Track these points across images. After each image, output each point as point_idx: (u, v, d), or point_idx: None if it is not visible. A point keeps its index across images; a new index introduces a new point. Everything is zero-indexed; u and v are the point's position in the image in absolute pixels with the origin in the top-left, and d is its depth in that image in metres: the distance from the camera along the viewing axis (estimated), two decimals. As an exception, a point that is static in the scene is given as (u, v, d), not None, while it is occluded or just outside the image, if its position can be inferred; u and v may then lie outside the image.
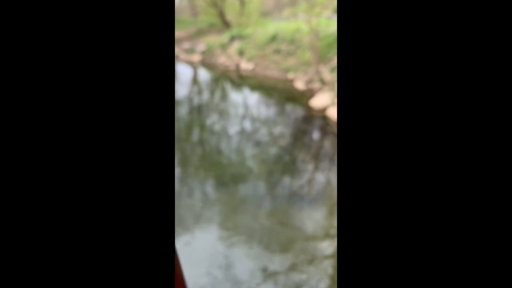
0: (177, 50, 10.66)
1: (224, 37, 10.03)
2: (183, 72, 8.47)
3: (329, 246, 2.25)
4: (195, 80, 7.91)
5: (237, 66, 8.78)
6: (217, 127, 4.66)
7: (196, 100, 6.17)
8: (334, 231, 2.41)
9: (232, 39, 9.70)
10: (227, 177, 3.19)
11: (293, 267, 2.09)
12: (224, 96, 6.47)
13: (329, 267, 2.08)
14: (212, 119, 5.00)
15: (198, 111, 5.51)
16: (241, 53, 8.99)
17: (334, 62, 6.23)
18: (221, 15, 11.57)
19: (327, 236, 2.35)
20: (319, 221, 2.51)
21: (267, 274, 2.04)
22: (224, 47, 9.73)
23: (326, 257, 2.16)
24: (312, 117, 4.79)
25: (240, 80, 7.55)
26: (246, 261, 2.15)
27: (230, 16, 11.82)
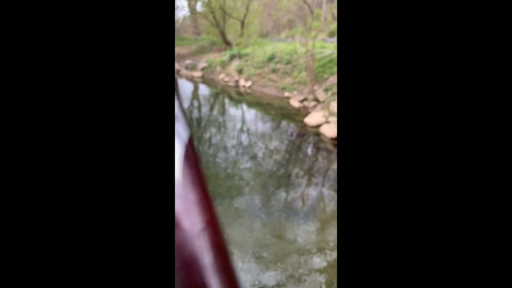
0: (179, 66, 10.81)
1: (225, 55, 10.22)
2: (184, 87, 8.55)
3: (322, 260, 2.21)
4: (195, 95, 7.97)
5: (236, 83, 8.90)
6: (214, 140, 4.66)
7: (195, 114, 6.20)
8: (326, 244, 2.37)
9: (232, 57, 9.88)
10: (223, 189, 3.16)
11: (286, 281, 2.04)
12: (222, 111, 6.52)
13: (322, 281, 2.04)
14: (210, 132, 5.01)
15: (197, 124, 5.52)
16: (240, 71, 9.14)
17: (327, 82, 6.36)
18: (223, 34, 11.84)
19: (320, 249, 2.31)
20: (312, 235, 2.48)
21: (261, 287, 1.99)
22: (224, 64, 9.89)
23: (319, 270, 2.12)
24: (306, 133, 4.83)
25: (238, 96, 7.63)
26: (239, 274, 2.10)
27: (231, 36, 12.10)
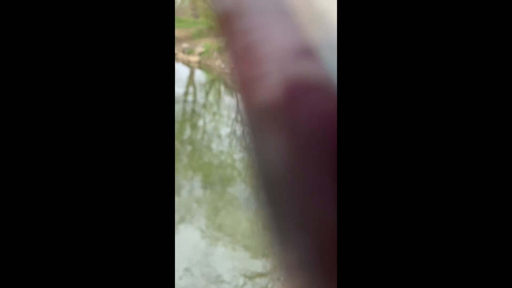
0: (176, 50, 10.59)
1: (222, 41, 10.02)
2: (180, 71, 8.41)
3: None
4: (191, 80, 7.87)
5: (232, 70, 8.78)
6: (208, 127, 4.63)
7: (190, 99, 6.13)
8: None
9: (230, 43, 9.70)
10: (215, 178, 3.17)
11: (274, 270, 2.09)
12: (218, 98, 6.46)
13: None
14: (204, 119, 4.98)
15: (192, 110, 5.47)
16: (238, 58, 9.00)
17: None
18: (222, 19, 11.56)
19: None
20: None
21: (248, 276, 2.03)
22: (221, 50, 9.71)
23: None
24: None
25: (233, 84, 7.54)
26: (228, 261, 2.13)
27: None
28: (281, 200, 0.12)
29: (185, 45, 11.02)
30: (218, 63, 9.43)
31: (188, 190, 2.95)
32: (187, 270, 2.02)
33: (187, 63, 9.96)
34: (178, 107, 5.45)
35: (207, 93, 6.81)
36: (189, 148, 3.95)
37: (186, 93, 6.59)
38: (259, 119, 0.12)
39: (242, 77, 0.13)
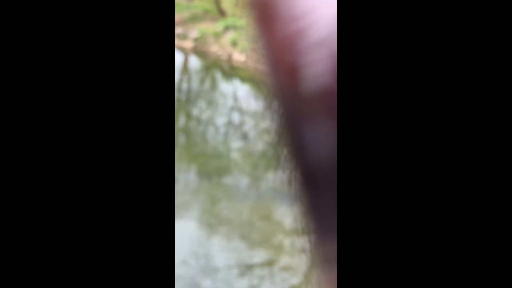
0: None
1: (218, 26, 9.88)
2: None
3: (307, 242, 2.30)
4: (185, 67, 7.75)
5: (229, 57, 8.69)
6: (204, 116, 4.60)
7: (185, 87, 6.06)
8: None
9: (226, 28, 9.57)
10: (211, 168, 3.16)
11: (271, 261, 2.12)
12: (214, 86, 6.40)
13: (305, 262, 2.13)
14: (199, 108, 4.93)
15: (186, 98, 5.41)
16: (234, 44, 8.90)
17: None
18: (217, 2, 11.34)
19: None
20: (298, 218, 2.56)
21: (245, 267, 2.06)
22: (217, 36, 9.59)
23: (304, 252, 2.21)
24: (300, 114, 4.83)
25: (231, 71, 7.47)
26: (224, 253, 2.16)
27: (226, 5, 11.63)
28: (322, 190, 0.12)
29: (178, 30, 10.79)
30: (214, 49, 9.30)
31: (183, 180, 2.95)
32: (184, 261, 2.04)
33: (182, 49, 9.79)
34: (172, 95, 5.40)
35: (202, 81, 6.73)
36: (183, 137, 3.93)
37: (180, 81, 6.50)
38: (304, 109, 0.11)
39: (285, 67, 0.12)
